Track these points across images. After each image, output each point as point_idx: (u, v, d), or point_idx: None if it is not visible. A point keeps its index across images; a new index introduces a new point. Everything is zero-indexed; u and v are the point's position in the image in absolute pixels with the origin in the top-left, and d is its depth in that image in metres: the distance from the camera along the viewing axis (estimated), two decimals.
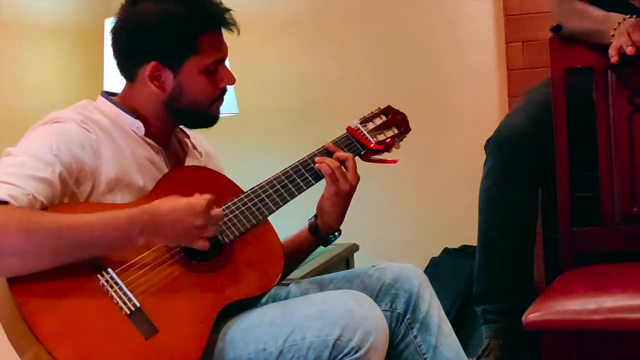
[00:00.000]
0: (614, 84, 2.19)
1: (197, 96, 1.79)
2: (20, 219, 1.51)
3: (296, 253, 1.95)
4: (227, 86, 1.83)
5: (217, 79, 1.80)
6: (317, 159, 1.88)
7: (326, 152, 1.90)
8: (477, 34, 3.04)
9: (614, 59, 2.10)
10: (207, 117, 1.84)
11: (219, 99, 1.83)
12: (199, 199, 1.63)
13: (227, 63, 2.84)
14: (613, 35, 2.14)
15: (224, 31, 1.79)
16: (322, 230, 1.92)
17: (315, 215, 1.92)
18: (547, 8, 2.47)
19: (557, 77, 2.24)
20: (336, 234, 1.94)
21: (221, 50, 1.80)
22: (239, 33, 1.80)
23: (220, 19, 1.78)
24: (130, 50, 1.78)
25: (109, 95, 1.82)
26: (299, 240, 1.96)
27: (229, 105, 2.94)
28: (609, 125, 2.20)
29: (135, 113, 1.78)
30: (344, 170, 1.87)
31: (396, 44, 3.10)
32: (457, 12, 3.04)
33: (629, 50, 2.07)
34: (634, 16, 2.15)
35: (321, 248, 2.81)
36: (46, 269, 1.53)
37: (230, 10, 1.80)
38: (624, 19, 2.15)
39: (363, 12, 3.11)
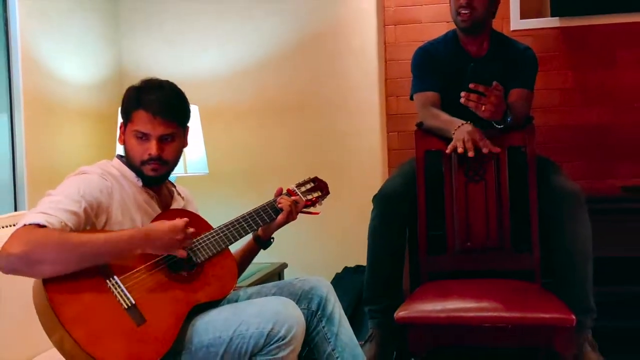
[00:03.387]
0: (455, 161, 2.20)
1: (130, 151, 1.73)
2: (55, 237, 1.49)
3: (248, 257, 1.95)
4: (158, 157, 1.70)
5: (146, 147, 1.70)
6: (279, 198, 1.88)
7: (272, 206, 1.88)
8: (368, 126, 3.04)
9: (460, 150, 2.12)
10: (143, 174, 1.73)
11: (148, 163, 1.71)
12: (179, 221, 1.63)
13: (201, 136, 2.87)
14: (454, 133, 2.17)
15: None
16: (264, 239, 1.93)
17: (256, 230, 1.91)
18: (414, 111, 2.48)
19: (419, 155, 2.26)
20: (272, 240, 1.94)
21: (147, 126, 1.69)
22: (162, 117, 1.68)
23: (145, 104, 1.69)
24: None
25: (121, 156, 1.79)
26: (249, 248, 1.94)
27: (202, 167, 2.91)
28: (452, 188, 2.21)
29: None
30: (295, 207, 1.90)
31: (319, 129, 3.09)
32: (357, 110, 3.05)
33: (470, 153, 2.10)
34: (469, 122, 2.17)
35: (261, 266, 2.82)
36: (72, 272, 1.50)
37: (168, 101, 1.71)
38: (462, 124, 2.17)
39: (298, 107, 3.10)
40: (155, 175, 1.73)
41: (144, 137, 1.70)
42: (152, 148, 1.69)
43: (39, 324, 1.52)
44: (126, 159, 1.76)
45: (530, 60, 2.43)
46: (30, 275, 1.49)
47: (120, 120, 1.78)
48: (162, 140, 1.71)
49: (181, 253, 1.63)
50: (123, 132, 1.75)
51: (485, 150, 2.11)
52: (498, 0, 2.43)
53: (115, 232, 1.58)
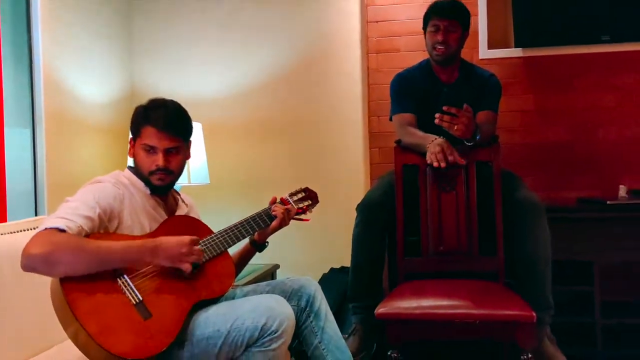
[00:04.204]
0: (429, 174, 2.22)
1: (140, 163, 1.74)
2: (73, 242, 1.49)
3: (245, 258, 1.94)
4: (165, 168, 1.71)
5: (154, 159, 1.71)
6: (273, 206, 1.88)
7: (267, 213, 1.88)
8: (353, 143, 3.05)
9: (435, 164, 2.13)
10: (151, 184, 1.74)
11: (156, 173, 1.71)
12: (186, 237, 1.60)
13: (203, 149, 2.87)
14: (428, 147, 2.19)
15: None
16: (259, 242, 1.92)
17: (253, 235, 1.90)
18: (393, 129, 2.50)
19: (397, 169, 2.27)
20: (266, 243, 1.94)
21: (154, 140, 1.70)
22: (167, 132, 1.69)
23: (152, 120, 1.69)
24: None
25: (131, 167, 1.78)
26: (246, 251, 1.93)
27: (204, 177, 2.89)
28: (426, 198, 2.22)
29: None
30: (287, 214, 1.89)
31: (309, 145, 3.09)
32: (343, 128, 3.06)
33: (442, 165, 2.11)
34: (442, 137, 2.19)
35: (256, 267, 2.81)
36: (86, 274, 1.50)
37: (173, 118, 1.71)
38: (435, 139, 2.19)
39: (290, 125, 3.10)
40: (161, 185, 1.74)
41: (151, 150, 1.71)
42: (159, 160, 1.70)
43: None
44: (135, 170, 1.76)
45: (495, 86, 2.46)
46: (48, 274, 1.49)
47: (130, 135, 1.79)
48: (167, 153, 1.72)
49: (186, 267, 1.58)
50: (132, 146, 1.76)
51: (451, 159, 2.12)
52: (467, 35, 2.46)
53: (127, 242, 1.56)
